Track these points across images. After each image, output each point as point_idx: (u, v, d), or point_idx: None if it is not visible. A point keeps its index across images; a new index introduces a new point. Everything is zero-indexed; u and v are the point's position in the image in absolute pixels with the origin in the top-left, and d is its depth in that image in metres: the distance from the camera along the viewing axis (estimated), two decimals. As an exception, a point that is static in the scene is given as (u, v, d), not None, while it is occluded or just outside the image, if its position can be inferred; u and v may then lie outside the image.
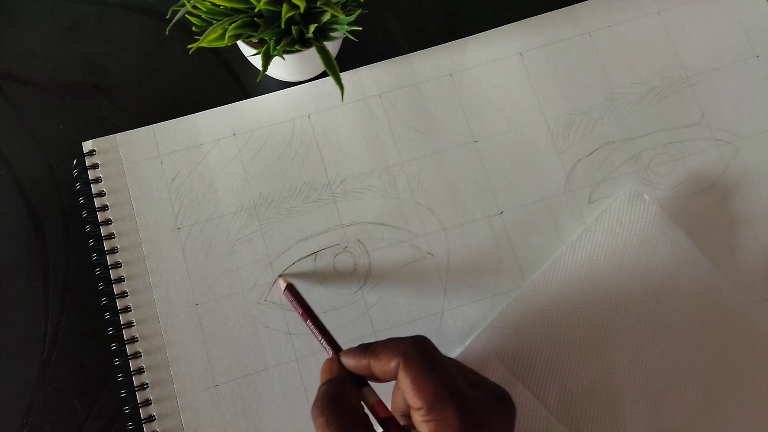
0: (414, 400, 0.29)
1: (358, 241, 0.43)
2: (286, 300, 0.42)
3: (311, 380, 0.41)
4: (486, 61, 0.46)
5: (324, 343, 0.37)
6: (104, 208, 0.43)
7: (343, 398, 0.30)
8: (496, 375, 0.39)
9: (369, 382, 0.33)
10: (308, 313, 0.39)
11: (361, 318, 0.42)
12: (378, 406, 0.32)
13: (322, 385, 0.32)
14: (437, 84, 0.46)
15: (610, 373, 0.39)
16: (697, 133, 0.45)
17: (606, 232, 0.42)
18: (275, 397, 0.40)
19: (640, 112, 0.45)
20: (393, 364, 0.30)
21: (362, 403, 0.32)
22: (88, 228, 0.43)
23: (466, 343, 0.41)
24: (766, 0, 0.48)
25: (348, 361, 0.33)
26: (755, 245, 0.43)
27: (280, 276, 0.42)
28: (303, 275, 0.42)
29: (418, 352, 0.30)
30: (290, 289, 0.40)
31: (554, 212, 0.44)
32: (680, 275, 0.41)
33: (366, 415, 0.31)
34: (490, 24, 0.47)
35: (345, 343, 0.41)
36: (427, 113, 0.45)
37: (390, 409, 0.33)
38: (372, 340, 0.41)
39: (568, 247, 0.42)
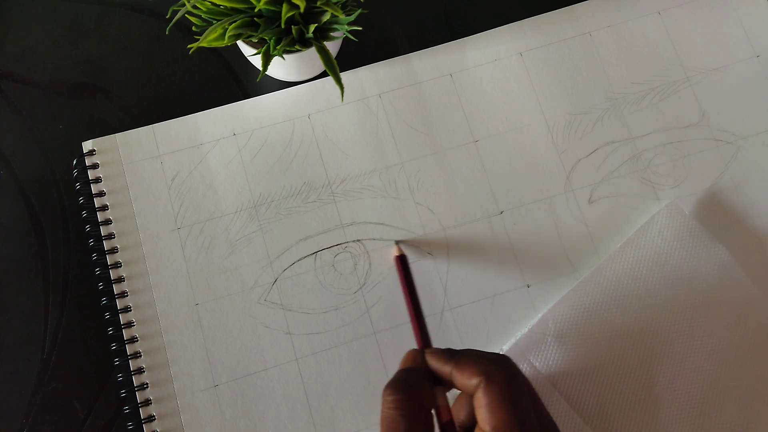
0: (484, 423, 0.29)
1: (358, 241, 0.43)
2: (286, 300, 0.42)
3: (311, 380, 0.41)
4: (486, 61, 0.46)
5: (415, 331, 0.36)
6: (104, 208, 0.43)
7: (417, 390, 0.30)
8: (533, 383, 0.38)
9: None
10: (410, 292, 0.38)
11: (361, 318, 0.42)
12: (443, 409, 0.32)
13: (402, 370, 0.32)
14: (437, 84, 0.46)
15: (650, 385, 0.39)
16: (697, 133, 0.45)
17: (648, 245, 0.42)
18: (275, 397, 0.40)
19: (640, 112, 0.45)
20: (474, 381, 0.30)
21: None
22: (88, 228, 0.43)
23: (504, 348, 0.41)
24: (766, 0, 0.48)
25: (431, 361, 0.32)
26: (755, 245, 0.43)
27: (398, 242, 0.42)
28: (303, 275, 0.42)
29: (503, 378, 0.29)
30: (402, 260, 0.39)
31: (554, 212, 0.44)
32: (721, 291, 0.41)
33: (431, 414, 0.31)
34: (490, 24, 0.47)
35: (347, 342, 0.41)
36: (427, 113, 0.45)
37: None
38: (372, 340, 0.41)
39: (609, 257, 0.42)
